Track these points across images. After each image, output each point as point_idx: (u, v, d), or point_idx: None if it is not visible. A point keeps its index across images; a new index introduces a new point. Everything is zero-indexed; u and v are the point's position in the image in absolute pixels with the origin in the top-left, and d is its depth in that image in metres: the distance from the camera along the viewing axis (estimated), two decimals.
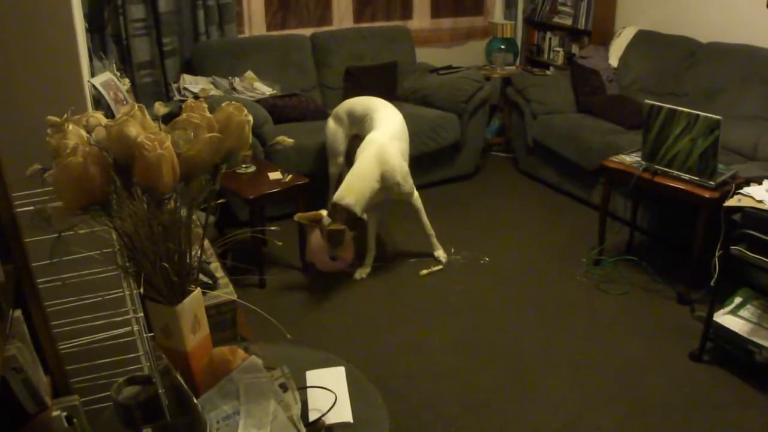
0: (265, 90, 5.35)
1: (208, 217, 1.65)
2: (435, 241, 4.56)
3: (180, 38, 5.44)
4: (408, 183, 4.24)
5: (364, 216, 4.02)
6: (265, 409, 1.66)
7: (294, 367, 1.80)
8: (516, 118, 6.06)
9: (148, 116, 1.47)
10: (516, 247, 4.74)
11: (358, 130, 4.61)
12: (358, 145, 4.30)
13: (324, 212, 3.94)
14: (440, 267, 4.45)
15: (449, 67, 6.12)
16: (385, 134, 4.22)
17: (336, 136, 4.73)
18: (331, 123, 4.76)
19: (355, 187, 3.92)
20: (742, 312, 3.46)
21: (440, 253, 4.57)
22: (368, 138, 4.21)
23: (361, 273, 4.39)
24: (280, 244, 4.51)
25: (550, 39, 6.94)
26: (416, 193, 4.36)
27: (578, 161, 5.20)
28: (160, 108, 1.46)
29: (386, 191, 4.13)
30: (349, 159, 4.64)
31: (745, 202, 3.18)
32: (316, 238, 4.01)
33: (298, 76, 5.74)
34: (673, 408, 3.22)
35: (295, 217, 3.90)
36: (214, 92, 5.03)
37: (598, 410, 3.21)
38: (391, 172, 4.08)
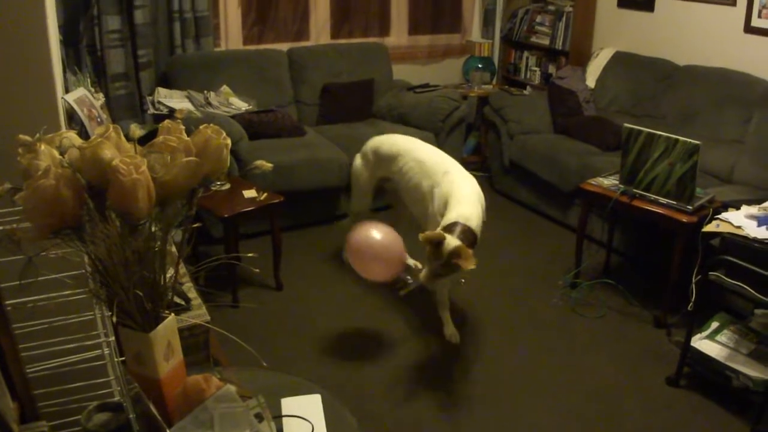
0: (240, 105, 5.30)
1: (184, 241, 1.61)
2: (447, 316, 3.93)
3: (155, 50, 5.39)
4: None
5: None
6: None
7: (269, 395, 1.76)
8: (492, 137, 6.06)
9: (123, 138, 1.42)
10: (492, 269, 4.72)
11: (385, 172, 4.18)
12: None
13: (446, 234, 3.27)
14: (416, 285, 4.27)
15: (426, 85, 6.12)
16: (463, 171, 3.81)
17: (360, 177, 4.36)
18: (357, 160, 4.40)
19: (475, 211, 3.48)
20: (719, 337, 3.46)
21: (450, 332, 3.89)
22: (453, 169, 3.77)
23: (452, 334, 3.90)
24: (256, 271, 4.42)
25: (527, 58, 6.97)
26: None
27: (555, 182, 5.20)
28: (136, 131, 1.42)
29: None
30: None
31: (724, 228, 3.19)
32: (363, 243, 3.46)
33: (275, 91, 5.70)
34: None
35: (421, 237, 3.22)
36: (189, 107, 4.97)
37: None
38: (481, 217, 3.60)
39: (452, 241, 3.20)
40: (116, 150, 1.39)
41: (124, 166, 1.31)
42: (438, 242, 3.20)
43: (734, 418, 3.30)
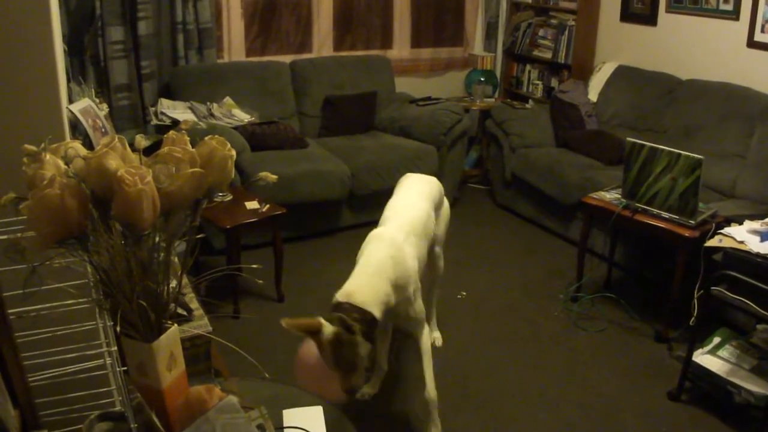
0: (243, 117, 5.31)
1: (188, 251, 1.61)
2: (435, 413, 3.16)
3: (159, 62, 5.41)
4: (419, 303, 3.07)
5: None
6: None
7: (271, 406, 1.76)
8: (494, 150, 6.07)
9: (128, 148, 1.42)
10: (493, 282, 4.72)
11: None
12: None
13: (322, 319, 2.65)
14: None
15: (428, 98, 6.14)
16: (402, 227, 3.12)
17: None
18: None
19: (368, 283, 2.82)
20: (721, 352, 3.46)
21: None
22: (375, 232, 3.09)
23: (364, 393, 3.50)
24: (259, 282, 4.41)
25: (529, 72, 6.99)
26: (426, 328, 3.16)
27: (556, 196, 5.20)
28: (141, 141, 1.42)
29: (390, 312, 2.91)
30: None
31: (726, 243, 3.19)
32: (312, 357, 2.75)
33: (277, 103, 5.71)
34: None
35: (284, 324, 2.65)
36: (192, 118, 4.98)
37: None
38: (405, 280, 2.93)
39: (327, 329, 2.61)
40: (121, 160, 1.39)
41: (129, 176, 1.31)
42: (313, 332, 2.66)
43: None
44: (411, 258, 3.00)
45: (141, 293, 1.43)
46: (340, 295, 2.78)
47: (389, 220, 3.19)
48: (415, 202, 3.33)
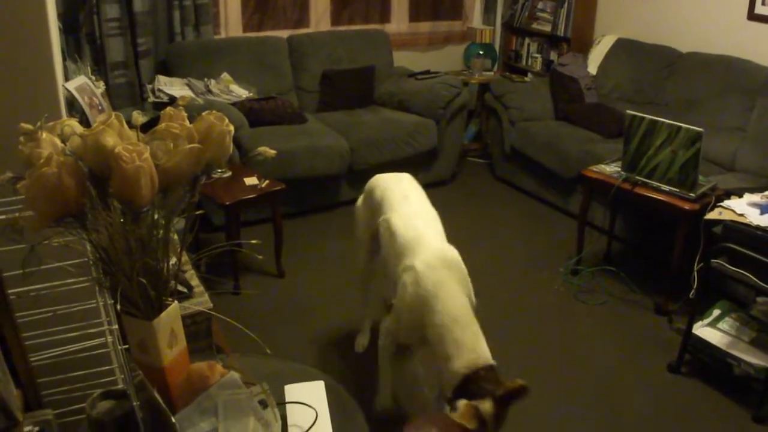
0: (241, 92, 5.28)
1: (187, 228, 1.61)
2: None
3: (155, 39, 5.36)
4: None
5: None
6: (244, 427, 1.61)
7: (272, 382, 1.76)
8: (494, 124, 6.05)
9: (125, 125, 1.41)
10: (493, 256, 4.72)
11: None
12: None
13: (464, 402, 2.27)
14: None
15: (427, 72, 6.10)
16: (436, 236, 2.87)
17: (359, 218, 3.39)
18: (359, 199, 3.43)
19: (470, 342, 2.46)
20: (721, 325, 3.47)
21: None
22: (429, 261, 2.64)
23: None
24: (260, 257, 4.42)
25: (528, 45, 6.94)
26: None
27: (556, 169, 5.19)
28: (139, 117, 1.41)
29: None
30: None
31: (726, 216, 3.19)
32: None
33: (275, 78, 5.68)
34: (651, 420, 3.21)
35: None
36: (189, 95, 4.96)
37: (575, 422, 3.20)
38: (469, 286, 2.69)
39: (487, 406, 2.28)
40: (118, 137, 1.38)
41: (127, 153, 1.30)
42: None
43: (735, 405, 3.30)
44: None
45: (141, 271, 1.43)
46: (472, 363, 2.39)
47: (422, 237, 2.78)
48: (423, 209, 3.05)
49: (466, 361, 2.39)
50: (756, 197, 3.27)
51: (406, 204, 3.01)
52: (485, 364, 2.40)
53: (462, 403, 2.27)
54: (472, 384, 2.35)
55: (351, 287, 4.09)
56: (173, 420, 1.54)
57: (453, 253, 2.72)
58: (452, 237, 4.89)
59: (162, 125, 1.43)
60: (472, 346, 2.44)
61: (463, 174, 6.27)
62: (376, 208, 3.14)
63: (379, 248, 3.10)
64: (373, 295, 3.63)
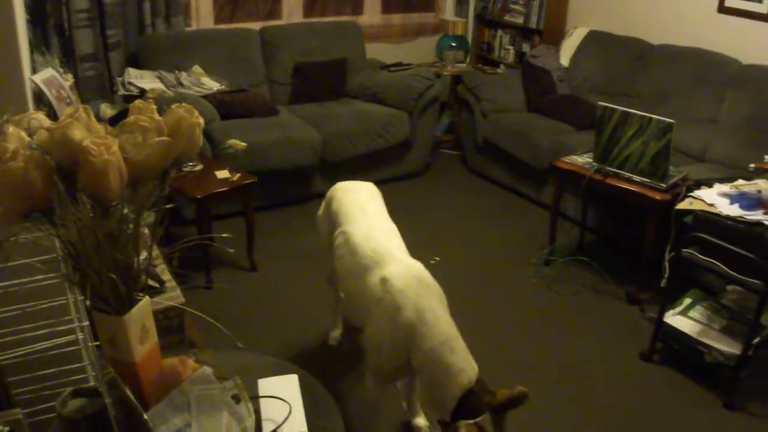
0: (212, 85, 5.24)
1: (157, 222, 1.59)
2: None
3: (125, 30, 5.30)
4: None
5: None
6: (217, 422, 1.60)
7: (246, 376, 1.74)
8: (466, 116, 6.05)
9: (93, 118, 1.39)
10: (466, 247, 4.73)
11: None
12: None
13: (464, 425, 2.25)
14: None
15: (399, 64, 6.09)
16: (400, 250, 2.72)
17: (320, 225, 3.26)
18: (320, 210, 3.28)
19: (462, 366, 2.36)
20: (692, 313, 3.50)
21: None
22: (404, 279, 2.49)
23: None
24: (231, 251, 4.39)
25: (501, 37, 6.95)
26: None
27: (528, 160, 5.21)
28: (107, 110, 1.39)
29: None
30: None
31: (697, 206, 3.22)
32: None
33: (246, 71, 5.64)
34: (624, 407, 3.25)
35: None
36: (160, 87, 4.90)
37: (548, 411, 3.22)
38: (444, 298, 2.60)
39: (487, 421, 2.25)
40: (86, 131, 1.36)
41: (95, 146, 1.28)
42: None
43: (706, 392, 3.34)
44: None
45: (110, 266, 1.41)
46: (467, 382, 2.32)
47: (387, 251, 2.64)
48: (382, 223, 2.89)
49: (460, 384, 2.31)
50: (726, 187, 3.30)
51: (362, 216, 2.84)
52: (476, 377, 2.34)
53: (463, 426, 2.23)
54: (466, 403, 2.29)
55: (324, 280, 4.07)
56: (145, 417, 1.53)
57: (422, 268, 2.59)
58: (425, 228, 4.92)
59: (131, 118, 1.41)
60: (462, 366, 2.35)
61: (436, 166, 6.28)
62: (333, 218, 3.00)
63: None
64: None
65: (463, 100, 6.06)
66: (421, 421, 3.10)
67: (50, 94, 2.60)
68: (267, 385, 1.94)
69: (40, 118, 1.47)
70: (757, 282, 3.02)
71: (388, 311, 2.44)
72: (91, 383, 1.80)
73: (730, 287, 3.59)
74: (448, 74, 6.73)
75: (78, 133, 1.33)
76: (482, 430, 2.23)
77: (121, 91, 4.93)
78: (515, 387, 2.27)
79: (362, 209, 2.89)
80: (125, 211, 1.42)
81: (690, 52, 5.00)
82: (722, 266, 3.12)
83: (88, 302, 1.40)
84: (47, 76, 2.73)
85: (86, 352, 1.90)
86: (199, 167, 4.18)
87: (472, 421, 2.23)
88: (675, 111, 4.69)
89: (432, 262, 4.48)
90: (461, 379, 2.32)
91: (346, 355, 3.57)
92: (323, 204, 3.22)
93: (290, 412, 1.79)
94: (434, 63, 6.93)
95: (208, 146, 4.59)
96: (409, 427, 3.09)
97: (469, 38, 7.21)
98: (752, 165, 3.65)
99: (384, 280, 2.48)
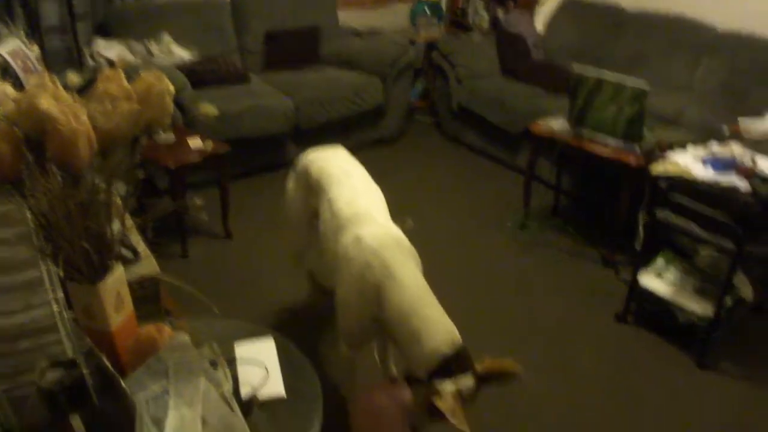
0: (182, 54, 5.18)
1: (129, 190, 1.58)
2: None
3: (92, 1, 5.21)
4: None
5: None
6: (195, 387, 1.61)
7: (222, 341, 1.75)
8: (440, 82, 6.04)
9: (60, 87, 1.38)
10: (441, 211, 4.75)
11: (317, 205, 2.87)
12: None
13: (450, 389, 2.12)
14: None
15: (373, 31, 6.05)
16: (380, 214, 2.69)
17: (291, 201, 3.15)
18: (290, 177, 3.18)
19: (441, 319, 2.31)
20: (666, 275, 3.54)
21: None
22: (383, 240, 2.43)
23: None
24: (205, 218, 4.38)
25: (475, 3, 6.91)
26: None
27: (503, 125, 5.22)
28: (74, 78, 1.38)
29: None
30: None
31: (671, 168, 3.24)
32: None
33: (217, 39, 5.58)
34: (599, 368, 3.29)
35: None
36: (129, 57, 4.85)
37: (525, 372, 3.25)
38: (419, 264, 2.53)
39: (469, 384, 2.16)
40: (54, 100, 1.35)
41: (63, 115, 1.27)
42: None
43: (680, 352, 3.40)
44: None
45: (83, 235, 1.40)
46: (444, 347, 2.19)
47: (366, 214, 2.60)
48: (367, 186, 2.83)
49: (444, 341, 2.19)
50: (700, 151, 3.32)
51: (348, 181, 2.77)
52: (459, 341, 2.22)
53: (448, 389, 2.10)
54: (451, 362, 2.15)
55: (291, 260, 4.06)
56: (123, 385, 1.53)
57: (399, 232, 2.56)
58: (400, 193, 4.91)
59: (99, 86, 1.40)
60: (444, 324, 2.26)
61: (411, 132, 6.27)
62: (313, 187, 2.89)
63: (315, 230, 2.86)
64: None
65: (437, 67, 6.05)
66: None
67: (16, 66, 2.56)
68: (244, 349, 1.95)
69: (6, 89, 1.45)
70: (730, 244, 3.06)
71: (358, 269, 2.38)
72: (69, 354, 1.80)
73: (703, 249, 3.63)
74: (423, 41, 6.68)
75: (45, 103, 1.32)
76: (462, 395, 2.10)
77: (90, 63, 4.86)
78: (509, 361, 2.18)
79: (347, 174, 2.83)
80: (96, 180, 1.41)
81: (665, 19, 5.02)
82: (696, 228, 3.16)
83: (61, 273, 1.40)
84: (12, 48, 2.69)
85: (62, 324, 1.90)
86: (172, 137, 4.15)
87: (452, 382, 2.10)
88: (650, 77, 4.68)
89: (406, 226, 4.49)
90: (444, 336, 2.21)
91: (322, 319, 3.58)
92: (293, 175, 3.13)
93: (267, 375, 1.80)
94: (408, 29, 6.89)
95: (180, 116, 4.55)
96: None
97: (443, 4, 7.16)
98: (726, 129, 3.68)
99: (358, 239, 2.43)
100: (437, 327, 2.24)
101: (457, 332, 2.26)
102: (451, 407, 2.04)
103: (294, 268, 3.51)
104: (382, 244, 2.39)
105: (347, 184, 2.74)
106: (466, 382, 2.13)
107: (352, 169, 2.89)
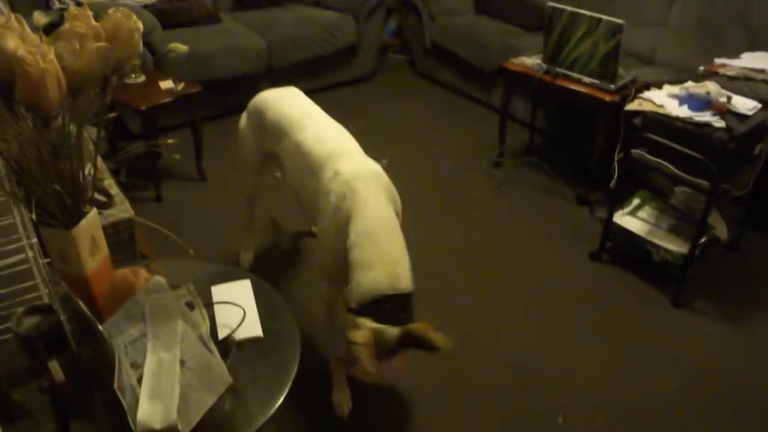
0: None
1: (100, 132, 1.55)
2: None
3: None
4: None
5: None
6: (172, 330, 1.61)
7: (199, 283, 1.75)
8: (413, 19, 5.97)
9: (27, 27, 1.34)
10: (416, 150, 4.73)
11: (273, 147, 2.87)
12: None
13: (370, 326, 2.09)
14: None
15: None
16: (356, 150, 2.64)
17: (244, 144, 3.13)
18: (243, 120, 3.14)
19: (397, 258, 2.27)
20: (641, 213, 3.57)
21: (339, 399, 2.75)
22: (353, 173, 2.42)
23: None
24: (177, 157, 4.34)
25: None
26: None
27: (477, 63, 5.18)
28: (40, 18, 1.34)
29: None
30: None
31: (646, 107, 3.23)
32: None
33: None
34: (574, 307, 3.33)
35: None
36: None
37: (499, 311, 3.29)
38: (397, 203, 2.53)
39: (393, 335, 2.11)
40: (20, 40, 1.32)
41: (30, 56, 1.24)
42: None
43: (654, 290, 3.44)
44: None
45: (55, 178, 1.38)
46: (386, 287, 2.16)
47: (343, 150, 2.58)
48: (333, 125, 2.78)
49: (388, 279, 2.17)
50: (675, 89, 3.31)
51: (312, 122, 2.72)
52: (407, 289, 2.20)
53: (367, 325, 2.08)
54: (385, 305, 2.14)
55: (273, 188, 4.03)
56: (101, 329, 1.53)
57: (379, 168, 2.52)
58: (374, 132, 4.90)
59: (66, 25, 1.37)
60: (396, 263, 2.22)
61: (384, 70, 6.21)
62: (270, 130, 2.84)
63: (275, 172, 2.82)
64: (258, 215, 3.54)
65: (410, 3, 5.97)
66: None
67: None
68: (220, 291, 1.95)
69: None
70: (704, 182, 3.07)
71: (335, 201, 2.37)
72: (45, 300, 1.79)
73: (677, 188, 3.65)
74: None
75: (12, 43, 1.29)
76: (378, 341, 2.06)
77: (57, 5, 4.74)
78: (441, 337, 2.10)
79: (309, 115, 2.78)
80: (66, 121, 1.38)
81: None
82: (671, 167, 3.16)
83: (34, 217, 1.38)
84: None
85: (37, 269, 1.88)
86: (142, 78, 4.08)
87: (377, 328, 2.07)
88: (624, 13, 4.61)
89: (382, 165, 4.47)
90: (391, 275, 2.18)
91: (298, 260, 3.59)
92: (247, 117, 3.08)
93: (244, 316, 1.81)
94: None
95: (150, 57, 4.47)
96: None
97: None
98: (701, 67, 3.66)
99: (336, 173, 2.42)
100: (386, 264, 2.20)
101: (407, 279, 2.22)
102: (361, 344, 2.00)
103: (245, 210, 3.46)
104: (357, 176, 2.39)
105: (313, 125, 2.70)
106: (390, 330, 2.09)
107: (314, 110, 2.84)
